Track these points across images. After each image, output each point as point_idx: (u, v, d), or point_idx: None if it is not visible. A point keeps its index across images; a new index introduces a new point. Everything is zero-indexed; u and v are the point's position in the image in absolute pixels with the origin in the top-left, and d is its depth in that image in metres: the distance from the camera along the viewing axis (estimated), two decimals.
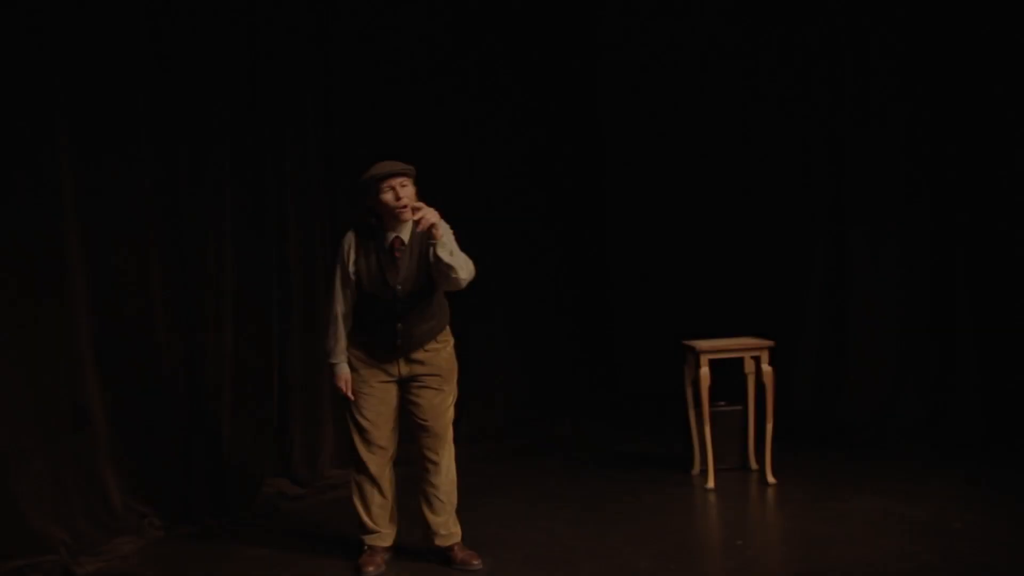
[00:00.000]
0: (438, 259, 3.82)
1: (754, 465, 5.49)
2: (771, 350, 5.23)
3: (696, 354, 5.22)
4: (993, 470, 5.23)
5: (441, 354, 4.10)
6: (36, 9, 4.23)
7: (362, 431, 4.09)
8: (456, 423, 4.20)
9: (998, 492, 4.83)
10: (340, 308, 4.08)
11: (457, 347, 4.20)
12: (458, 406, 4.19)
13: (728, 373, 5.42)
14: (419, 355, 4.05)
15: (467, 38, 6.55)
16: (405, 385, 4.10)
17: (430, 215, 3.78)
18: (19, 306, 4.19)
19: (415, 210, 3.79)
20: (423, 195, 3.98)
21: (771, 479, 5.21)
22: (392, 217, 3.96)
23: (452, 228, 3.93)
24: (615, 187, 7.34)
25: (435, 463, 4.10)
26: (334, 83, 5.77)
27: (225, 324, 5.06)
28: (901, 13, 5.98)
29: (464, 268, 3.88)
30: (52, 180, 4.30)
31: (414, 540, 4.28)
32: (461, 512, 4.20)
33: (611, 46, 7.28)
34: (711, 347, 5.23)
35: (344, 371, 4.10)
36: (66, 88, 4.36)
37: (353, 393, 4.09)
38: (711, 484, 5.19)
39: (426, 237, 3.90)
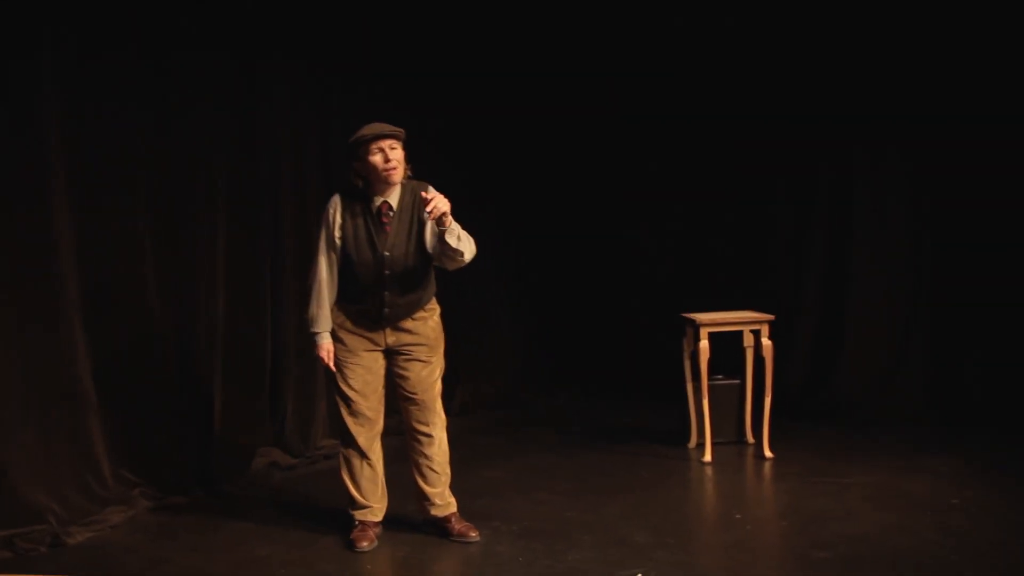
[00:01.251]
0: (446, 244, 3.73)
1: (751, 439, 5.48)
2: (770, 324, 5.19)
3: (696, 327, 5.18)
4: (990, 445, 5.23)
5: (428, 323, 4.03)
6: None
7: (349, 402, 4.00)
8: (451, 395, 4.14)
9: (995, 467, 4.82)
10: (324, 274, 3.95)
11: (449, 318, 4.14)
12: (454, 377, 4.13)
13: (726, 347, 5.38)
14: (406, 324, 3.98)
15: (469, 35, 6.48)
16: (392, 356, 4.03)
17: (442, 204, 3.62)
18: (7, 275, 4.11)
19: (427, 200, 3.62)
20: (411, 162, 3.92)
21: (768, 453, 5.19)
22: (380, 180, 3.86)
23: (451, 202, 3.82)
24: (614, 161, 7.24)
25: (428, 435, 4.04)
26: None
27: (217, 292, 5.00)
28: None
29: (469, 249, 3.81)
30: (41, 139, 4.19)
31: (408, 512, 4.24)
32: (456, 483, 4.16)
33: None
34: (711, 320, 5.19)
35: (326, 341, 3.98)
36: (54, 45, 4.25)
37: (339, 363, 3.99)
38: (708, 457, 5.17)
39: (420, 208, 3.82)
